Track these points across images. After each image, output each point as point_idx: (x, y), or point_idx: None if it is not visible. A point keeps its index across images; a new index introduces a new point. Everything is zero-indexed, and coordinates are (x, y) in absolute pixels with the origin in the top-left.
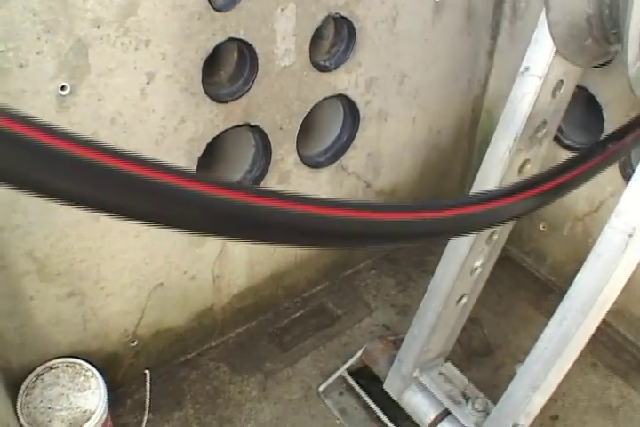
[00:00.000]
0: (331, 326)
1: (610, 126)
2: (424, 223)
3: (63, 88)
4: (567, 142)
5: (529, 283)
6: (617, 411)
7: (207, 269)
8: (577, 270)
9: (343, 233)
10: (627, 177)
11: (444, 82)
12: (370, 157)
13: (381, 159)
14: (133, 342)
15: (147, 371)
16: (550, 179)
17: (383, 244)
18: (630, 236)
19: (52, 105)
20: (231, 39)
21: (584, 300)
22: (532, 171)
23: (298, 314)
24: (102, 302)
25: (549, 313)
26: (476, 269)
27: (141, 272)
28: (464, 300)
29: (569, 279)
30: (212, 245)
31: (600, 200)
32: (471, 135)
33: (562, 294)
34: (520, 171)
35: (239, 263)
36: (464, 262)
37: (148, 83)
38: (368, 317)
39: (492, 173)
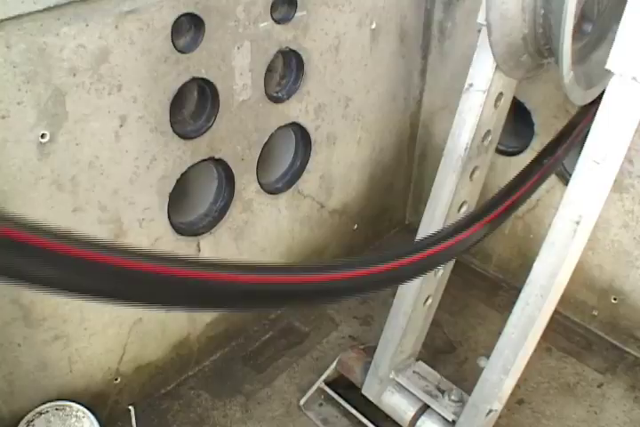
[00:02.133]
0: (300, 344)
1: (540, 129)
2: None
3: (43, 136)
4: (501, 148)
5: (478, 282)
6: (575, 387)
7: None
8: (521, 265)
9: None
10: (558, 175)
11: (384, 102)
12: (322, 179)
13: (332, 180)
14: (116, 379)
15: (130, 407)
16: (499, 204)
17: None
18: (578, 223)
19: (32, 153)
20: (194, 78)
21: (543, 284)
22: (481, 176)
23: (268, 335)
24: (86, 343)
25: (501, 308)
26: (438, 270)
27: (121, 310)
28: (430, 300)
29: (515, 274)
30: None
31: (536, 198)
32: (410, 149)
33: (510, 289)
34: (471, 177)
35: None
36: None
37: (121, 125)
38: (334, 330)
39: (448, 181)
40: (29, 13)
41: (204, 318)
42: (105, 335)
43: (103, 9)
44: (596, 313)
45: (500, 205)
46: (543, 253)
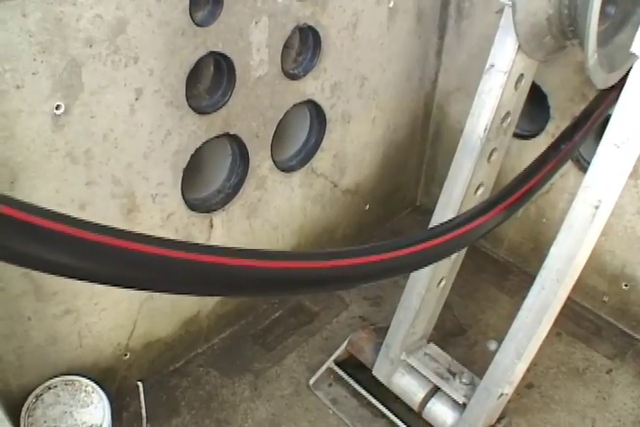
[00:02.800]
0: (310, 323)
1: (555, 112)
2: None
3: (58, 107)
4: (516, 131)
5: (489, 265)
6: (584, 373)
7: None
8: (533, 250)
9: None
10: (572, 159)
11: (399, 82)
12: (336, 158)
13: (346, 159)
14: (126, 354)
15: (139, 383)
16: (517, 189)
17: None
18: (597, 207)
19: (47, 124)
20: (211, 53)
21: (559, 268)
22: (498, 158)
23: (277, 314)
24: (96, 318)
25: (511, 292)
26: None
27: None
28: (443, 282)
29: (526, 259)
30: None
31: (550, 182)
32: (424, 129)
33: (521, 273)
34: (489, 159)
35: None
36: None
37: (136, 98)
38: (344, 311)
39: (465, 162)
40: None
41: (214, 297)
42: (115, 311)
43: None
44: (606, 299)
45: (518, 191)
46: (560, 237)
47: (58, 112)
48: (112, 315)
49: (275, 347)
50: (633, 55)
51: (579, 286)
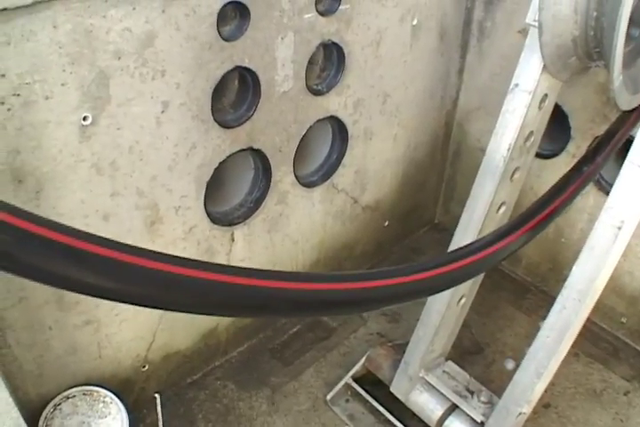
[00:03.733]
0: (328, 339)
1: (576, 133)
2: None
3: (85, 119)
4: (539, 151)
5: (507, 284)
6: (601, 394)
7: None
8: (551, 269)
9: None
10: (594, 180)
11: (421, 100)
12: (357, 174)
13: (367, 176)
14: (144, 366)
15: (157, 395)
16: (539, 212)
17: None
18: (619, 228)
19: (74, 135)
20: (237, 67)
21: (580, 289)
22: (521, 178)
23: (295, 329)
24: (116, 329)
25: (529, 311)
26: None
27: None
28: (463, 300)
29: (544, 278)
30: None
31: None
32: (444, 148)
33: (538, 292)
34: (512, 178)
35: None
36: None
37: (162, 111)
38: (362, 327)
39: (488, 181)
40: None
41: None
42: (135, 322)
43: None
44: (624, 320)
45: (540, 213)
46: (582, 257)
47: (85, 123)
48: (132, 326)
49: (292, 362)
50: None
51: (597, 306)
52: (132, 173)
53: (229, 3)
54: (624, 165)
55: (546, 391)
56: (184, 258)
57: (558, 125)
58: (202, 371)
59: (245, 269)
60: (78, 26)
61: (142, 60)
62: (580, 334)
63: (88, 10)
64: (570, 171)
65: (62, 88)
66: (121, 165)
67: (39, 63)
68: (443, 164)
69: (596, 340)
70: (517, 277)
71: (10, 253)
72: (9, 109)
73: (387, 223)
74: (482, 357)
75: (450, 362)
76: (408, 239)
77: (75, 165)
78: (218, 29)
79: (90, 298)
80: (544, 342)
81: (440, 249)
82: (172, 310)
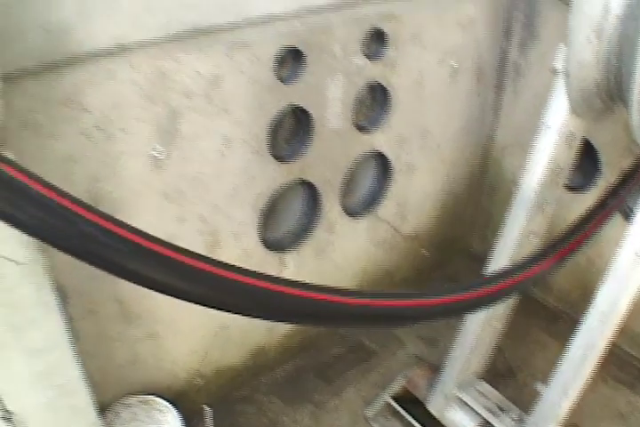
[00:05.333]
0: (368, 360)
1: (606, 167)
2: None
3: (157, 151)
4: (568, 184)
5: (539, 311)
6: (628, 417)
7: None
8: (582, 297)
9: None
10: (620, 209)
11: (459, 136)
12: (399, 205)
13: (408, 207)
14: (197, 379)
15: (207, 407)
16: (564, 245)
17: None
18: (638, 254)
19: (146, 165)
20: (292, 107)
21: (604, 311)
22: (550, 210)
23: (338, 350)
24: (174, 343)
25: (560, 337)
26: None
27: (209, 315)
28: (497, 323)
29: (574, 306)
30: None
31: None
32: (481, 182)
33: (569, 320)
34: (542, 211)
35: None
36: None
37: (226, 146)
38: (401, 349)
39: (520, 213)
40: (154, 40)
41: (281, 329)
42: (192, 337)
43: (219, 40)
44: None
45: (567, 244)
46: (606, 281)
47: (157, 155)
48: (188, 341)
49: (334, 380)
50: None
51: (624, 332)
52: (196, 201)
53: (287, 49)
54: None
55: (573, 413)
56: (277, 277)
57: (590, 160)
58: (250, 386)
59: (327, 287)
60: (154, 68)
61: (209, 100)
62: (607, 359)
63: (163, 54)
64: (595, 204)
65: (138, 123)
66: (187, 194)
67: (118, 100)
68: (479, 196)
69: (623, 364)
70: (549, 304)
71: (123, 263)
72: (91, 141)
73: (425, 252)
74: (514, 380)
75: (483, 382)
76: (446, 267)
77: (146, 193)
78: (276, 73)
79: (151, 312)
80: (571, 360)
81: (475, 276)
82: (267, 319)
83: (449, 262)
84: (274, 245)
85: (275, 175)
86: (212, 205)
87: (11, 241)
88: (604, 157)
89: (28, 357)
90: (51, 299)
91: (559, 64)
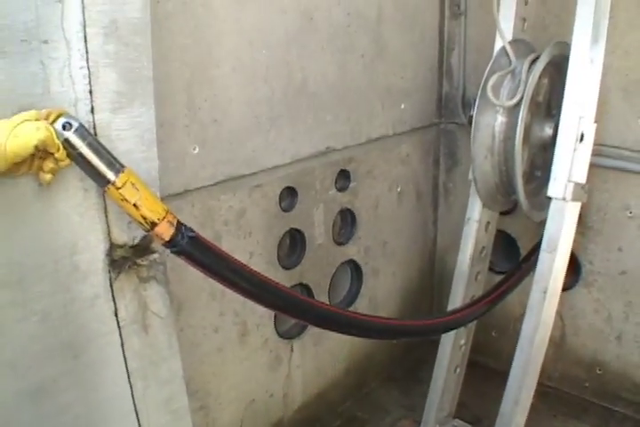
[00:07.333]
0: None
1: (524, 251)
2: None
3: None
4: (497, 269)
5: (494, 377)
6: None
7: (279, 389)
8: None
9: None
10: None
11: (409, 244)
12: (370, 301)
13: (377, 302)
14: None
15: None
16: (493, 292)
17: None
18: (545, 292)
19: (200, 274)
20: (291, 228)
21: (530, 342)
22: (482, 279)
23: (337, 423)
24: (219, 414)
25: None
26: (461, 347)
27: (242, 390)
28: (458, 369)
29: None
30: (282, 370)
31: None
32: (431, 277)
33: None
34: (476, 278)
35: (297, 383)
36: (453, 343)
37: (250, 258)
38: (387, 416)
39: (461, 281)
40: (205, 185)
41: (294, 405)
42: (230, 410)
43: (244, 184)
44: (587, 384)
45: (494, 293)
46: (526, 316)
47: None
48: (228, 413)
49: None
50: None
51: (564, 377)
52: (232, 299)
53: (286, 188)
54: (540, 252)
55: None
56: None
57: (512, 248)
58: None
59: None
60: (204, 205)
61: (238, 226)
62: (555, 401)
63: (209, 195)
64: (513, 267)
65: None
66: (227, 293)
67: None
68: (431, 290)
69: (568, 403)
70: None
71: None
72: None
73: (395, 340)
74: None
75: (457, 420)
76: (415, 351)
77: (199, 293)
78: (279, 205)
79: (204, 388)
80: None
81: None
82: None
83: (417, 347)
84: (284, 334)
85: (282, 279)
86: (242, 302)
87: (159, 301)
88: (521, 242)
89: (160, 385)
90: (176, 344)
91: (470, 175)
